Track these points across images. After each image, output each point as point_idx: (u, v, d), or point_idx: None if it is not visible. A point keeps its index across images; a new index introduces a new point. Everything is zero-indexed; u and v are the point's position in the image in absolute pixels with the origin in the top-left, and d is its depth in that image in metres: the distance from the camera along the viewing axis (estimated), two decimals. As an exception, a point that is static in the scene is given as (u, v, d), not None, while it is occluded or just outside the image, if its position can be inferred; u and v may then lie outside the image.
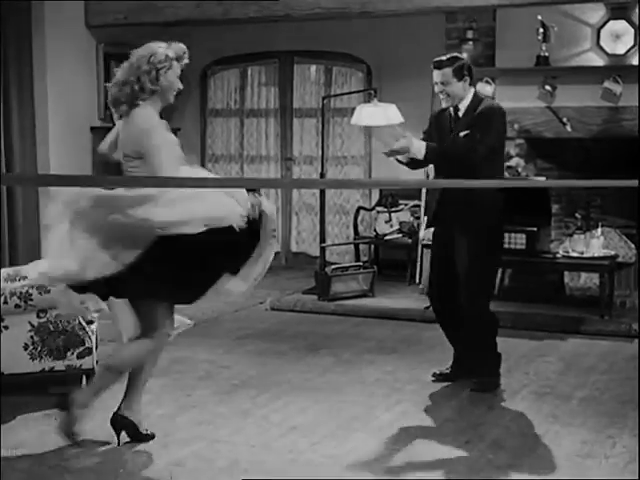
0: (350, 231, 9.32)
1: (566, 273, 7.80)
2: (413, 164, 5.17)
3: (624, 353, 6.08)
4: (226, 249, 4.02)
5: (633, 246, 7.88)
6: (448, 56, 5.14)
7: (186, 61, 4.39)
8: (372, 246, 9.03)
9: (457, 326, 5.27)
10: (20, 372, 4.91)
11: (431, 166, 5.60)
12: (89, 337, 4.98)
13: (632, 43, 7.93)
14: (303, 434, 4.44)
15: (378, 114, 8.08)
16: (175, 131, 9.63)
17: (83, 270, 3.88)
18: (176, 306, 4.30)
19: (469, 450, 4.23)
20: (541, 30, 7.94)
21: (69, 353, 4.95)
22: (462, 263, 5.04)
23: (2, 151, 7.80)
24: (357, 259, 8.91)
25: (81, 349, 4.96)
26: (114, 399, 4.30)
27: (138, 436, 4.30)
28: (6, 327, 4.83)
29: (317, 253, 8.57)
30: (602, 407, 4.89)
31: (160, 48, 4.27)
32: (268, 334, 6.71)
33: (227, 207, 3.99)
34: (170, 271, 3.96)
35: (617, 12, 7.96)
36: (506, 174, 7.79)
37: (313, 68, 9.71)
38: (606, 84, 7.90)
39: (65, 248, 3.93)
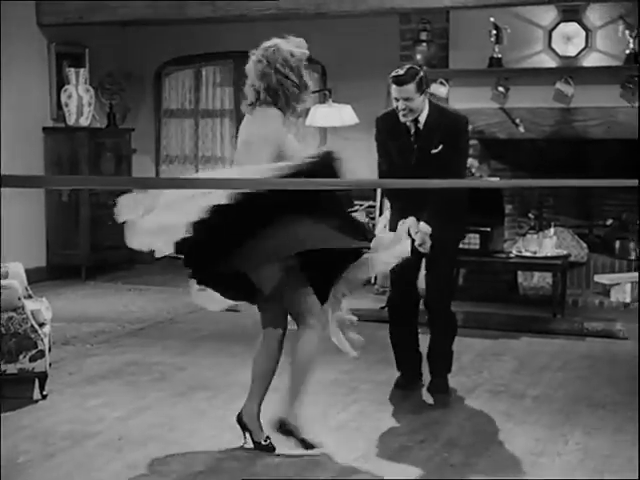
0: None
1: (519, 273, 7.89)
2: None
3: (576, 351, 6.16)
4: None
5: (585, 245, 8.00)
6: (406, 69, 4.87)
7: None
8: (328, 247, 9.03)
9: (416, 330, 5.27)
10: (-29, 375, 4.84)
11: None
12: (41, 340, 4.92)
13: (583, 45, 8.03)
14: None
15: (333, 115, 8.10)
16: (129, 132, 9.65)
17: None
18: None
19: (424, 449, 4.26)
20: (494, 32, 8.01)
21: (21, 356, 4.89)
22: (436, 266, 5.03)
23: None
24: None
25: (33, 352, 4.90)
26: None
27: (304, 443, 4.18)
28: (-43, 330, 4.76)
29: (272, 254, 8.55)
30: (555, 405, 4.94)
31: None
32: (225, 335, 6.69)
33: None
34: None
35: (568, 14, 8.05)
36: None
37: (268, 68, 9.67)
38: (558, 85, 7.99)
39: None
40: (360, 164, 9.23)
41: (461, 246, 6.98)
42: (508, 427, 4.57)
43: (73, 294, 8.16)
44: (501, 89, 8.15)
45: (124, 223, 3.90)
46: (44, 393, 4.97)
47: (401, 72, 4.84)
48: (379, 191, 8.49)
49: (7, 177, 2.38)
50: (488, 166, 8.47)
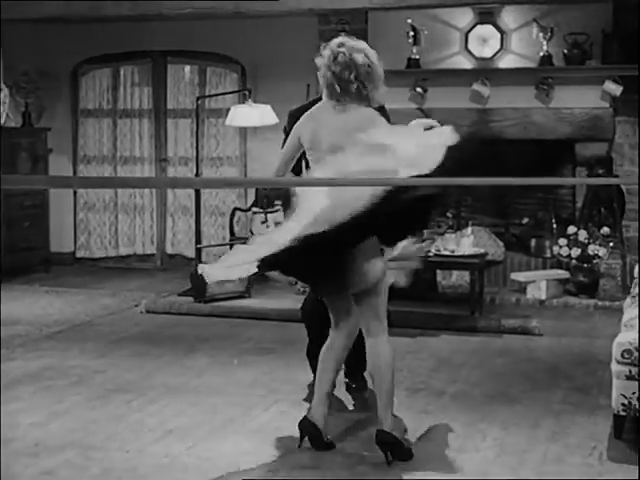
0: (226, 232, 9.28)
1: (438, 271, 7.98)
2: None
3: (493, 349, 6.26)
4: None
5: (502, 244, 8.14)
6: None
7: None
8: (248, 247, 9.01)
9: None
10: None
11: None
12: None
13: (498, 47, 8.19)
14: (179, 438, 4.40)
15: (252, 115, 8.09)
16: (45, 131, 9.48)
17: None
18: None
19: (345, 447, 4.28)
20: (411, 33, 8.10)
21: None
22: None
23: None
24: (233, 260, 8.88)
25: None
26: None
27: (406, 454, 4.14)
28: None
29: (193, 254, 8.51)
30: (473, 401, 5.02)
31: None
32: (143, 337, 6.62)
33: None
34: None
35: (484, 17, 8.20)
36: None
37: (187, 68, 9.63)
38: (474, 86, 8.12)
39: None
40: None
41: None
42: (427, 424, 4.62)
43: (-12, 297, 7.98)
44: (419, 90, 8.25)
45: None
46: (-43, 399, 4.85)
47: None
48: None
49: (6, 177, 2.36)
50: (407, 166, 8.54)
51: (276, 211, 8.78)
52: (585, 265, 7.72)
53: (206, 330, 6.83)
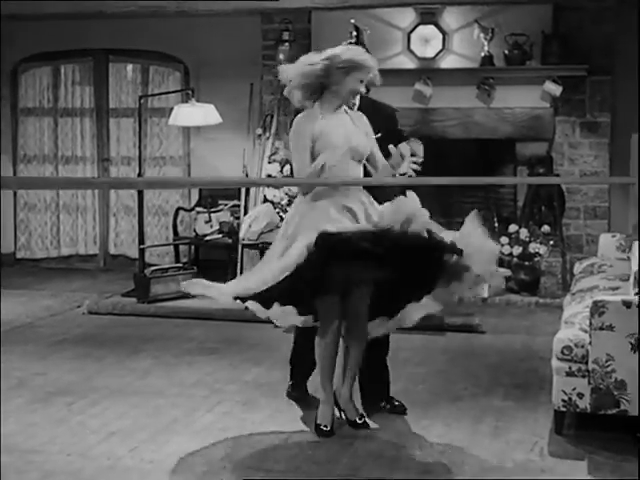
0: (169, 232, 9.22)
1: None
2: None
3: (436, 346, 6.31)
4: None
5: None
6: None
7: None
8: (192, 247, 8.98)
9: None
10: None
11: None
12: None
13: (440, 47, 8.25)
14: (122, 440, 4.37)
15: (196, 114, 8.05)
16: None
17: None
18: None
19: (289, 448, 4.28)
20: (354, 33, 8.11)
21: None
22: None
23: None
24: (177, 260, 8.85)
25: None
26: None
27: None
28: None
29: (136, 255, 8.43)
30: (416, 399, 5.05)
31: None
32: (86, 338, 6.55)
33: None
34: None
35: (426, 17, 8.25)
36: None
37: (129, 67, 9.55)
38: (417, 86, 8.18)
39: None
40: (223, 163, 9.28)
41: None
42: (370, 421, 4.64)
43: None
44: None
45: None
46: None
47: None
48: (243, 190, 8.49)
49: (6, 178, 2.38)
50: (350, 165, 8.57)
51: (220, 210, 8.75)
52: (526, 263, 7.82)
53: (150, 331, 6.78)
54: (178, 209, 9.12)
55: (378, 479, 3.93)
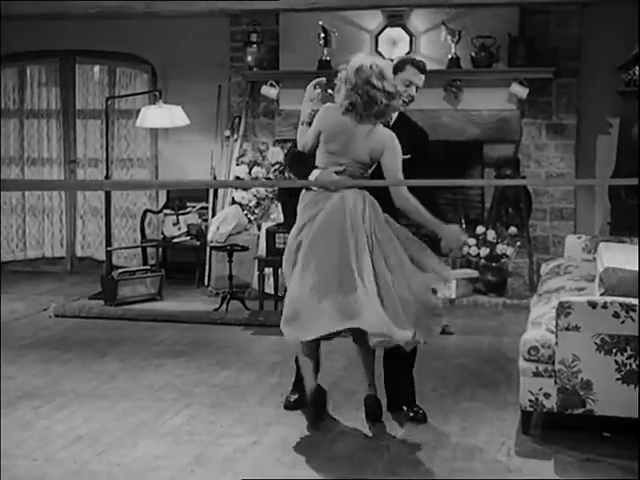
0: (137, 234, 9.18)
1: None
2: None
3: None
4: None
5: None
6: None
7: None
8: (160, 249, 8.94)
9: None
10: None
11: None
12: None
13: (408, 49, 8.28)
14: (88, 444, 4.33)
15: (163, 116, 8.03)
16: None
17: None
18: None
19: (256, 450, 4.27)
20: (322, 35, 8.14)
21: None
22: None
23: None
24: (145, 262, 8.80)
25: None
26: None
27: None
28: None
29: (103, 257, 8.38)
30: (383, 401, 5.03)
31: None
32: (52, 342, 6.50)
33: None
34: None
35: (394, 19, 8.28)
36: (292, 176, 7.92)
37: (96, 68, 9.49)
38: (385, 88, 8.18)
39: None
40: (191, 165, 9.23)
41: (282, 246, 7.05)
42: (339, 427, 4.64)
43: None
44: (330, 91, 8.26)
45: None
46: None
47: (420, 59, 4.80)
48: (211, 192, 8.48)
49: (6, 181, 2.35)
50: (319, 167, 8.58)
51: (188, 213, 8.72)
52: (493, 264, 7.87)
53: (117, 334, 6.74)
54: (146, 211, 9.08)
55: (347, 479, 3.94)
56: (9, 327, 6.93)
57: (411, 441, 4.40)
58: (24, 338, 6.58)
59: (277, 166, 8.24)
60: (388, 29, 8.31)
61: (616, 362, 4.19)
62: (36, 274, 9.36)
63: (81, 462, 4.09)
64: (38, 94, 9.57)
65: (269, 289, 7.61)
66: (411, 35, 8.28)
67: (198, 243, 8.43)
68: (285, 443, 4.36)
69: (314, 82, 4.83)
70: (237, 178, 8.23)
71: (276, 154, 8.34)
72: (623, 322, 4.15)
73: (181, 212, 8.69)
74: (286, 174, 8.19)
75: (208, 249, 8.18)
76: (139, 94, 9.02)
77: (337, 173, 4.41)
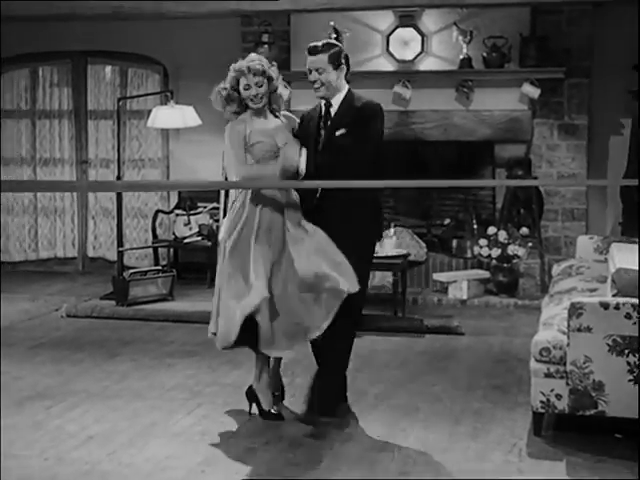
0: (149, 235, 9.19)
1: (362, 272, 8.00)
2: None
3: (416, 348, 6.32)
4: None
5: (424, 245, 8.20)
6: (324, 42, 4.79)
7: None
8: (171, 249, 8.94)
9: None
10: None
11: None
12: None
13: (419, 50, 8.27)
14: (100, 444, 4.34)
15: (175, 116, 8.04)
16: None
17: None
18: None
19: (269, 450, 4.28)
20: (333, 35, 8.12)
21: None
22: None
23: None
24: (156, 263, 8.81)
25: None
26: None
27: None
28: None
29: (115, 258, 8.39)
30: (396, 401, 5.06)
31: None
32: (64, 342, 6.52)
33: None
34: None
35: (405, 20, 8.27)
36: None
37: (108, 69, 9.51)
38: (396, 89, 8.20)
39: None
40: (203, 166, 9.24)
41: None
42: (351, 424, 4.64)
43: None
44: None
45: None
46: None
47: (317, 43, 4.79)
48: (222, 193, 8.47)
49: (6, 182, 2.37)
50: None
51: (199, 213, 8.73)
52: (505, 265, 7.85)
53: (128, 334, 6.75)
54: (157, 212, 9.09)
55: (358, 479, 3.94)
56: (21, 327, 6.96)
57: (422, 442, 4.39)
58: (36, 338, 6.60)
59: (288, 166, 8.23)
60: (399, 29, 8.30)
61: (628, 363, 4.18)
62: (48, 274, 9.39)
63: (92, 462, 4.10)
64: (50, 95, 9.59)
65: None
66: (423, 35, 8.27)
67: (209, 243, 8.44)
68: (296, 442, 4.36)
69: None
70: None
71: (287, 154, 8.34)
72: (635, 323, 4.14)
73: (192, 212, 8.69)
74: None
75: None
76: (151, 94, 9.03)
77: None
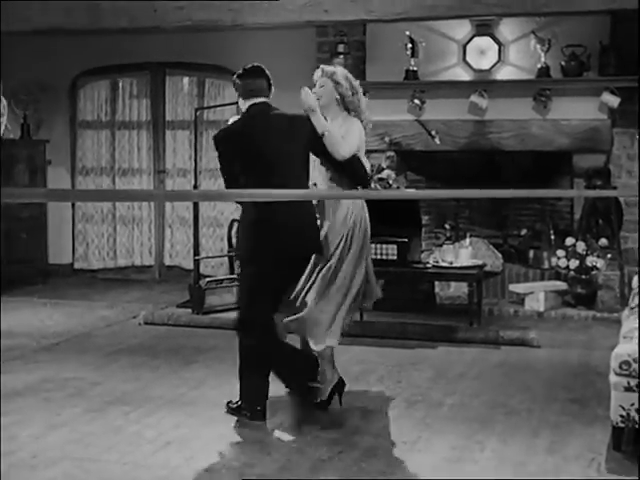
0: (224, 243, 9.28)
1: (436, 283, 7.98)
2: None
3: (492, 360, 6.25)
4: None
5: (500, 255, 8.13)
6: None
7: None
8: (246, 258, 8.99)
9: None
10: None
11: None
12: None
13: (496, 59, 8.21)
14: (177, 449, 4.39)
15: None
16: (43, 143, 9.49)
17: None
18: None
19: (342, 459, 4.27)
20: (409, 45, 8.12)
21: None
22: None
23: None
24: (231, 271, 8.88)
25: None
26: None
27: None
28: None
29: (191, 266, 8.50)
30: (471, 413, 5.01)
31: None
32: (141, 349, 6.61)
33: None
34: None
35: (482, 29, 8.22)
36: (377, 186, 7.93)
37: (185, 80, 9.65)
38: (472, 98, 8.14)
39: None
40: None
41: (378, 257, 7.09)
42: (425, 436, 4.61)
43: (-14, 309, 7.97)
44: (417, 101, 8.27)
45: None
46: (-45, 411, 4.84)
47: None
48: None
49: (7, 190, 2.42)
50: (405, 177, 8.57)
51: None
52: (583, 277, 7.73)
53: (204, 342, 6.82)
54: (233, 221, 9.16)
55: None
56: (100, 334, 7.08)
57: (498, 455, 4.34)
58: (114, 345, 6.71)
59: (363, 176, 8.24)
60: (476, 38, 8.25)
61: None
62: (126, 282, 9.55)
63: (170, 467, 4.15)
64: (129, 106, 9.78)
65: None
66: (500, 44, 8.20)
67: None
68: (370, 452, 4.35)
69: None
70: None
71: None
72: None
73: (267, 222, 8.73)
74: (372, 185, 8.19)
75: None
76: (227, 105, 9.11)
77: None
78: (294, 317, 4.82)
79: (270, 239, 4.72)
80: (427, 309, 7.78)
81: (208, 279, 7.95)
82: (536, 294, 7.77)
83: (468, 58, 8.28)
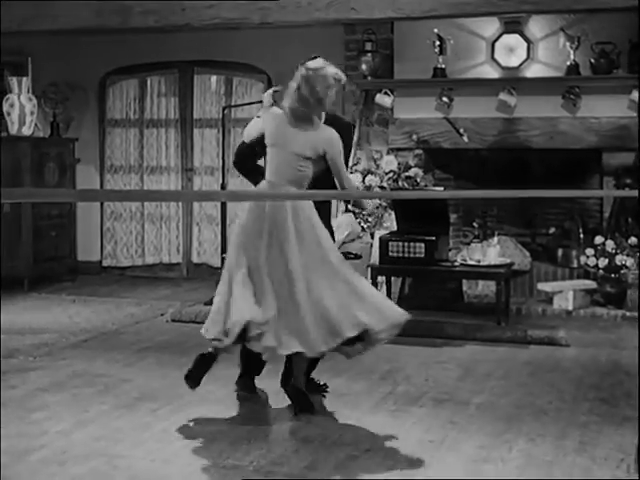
0: (252, 241, 9.28)
1: (464, 281, 7.95)
2: None
3: (520, 359, 6.22)
4: None
5: (528, 254, 8.09)
6: None
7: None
8: (274, 256, 9.01)
9: None
10: None
11: None
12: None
13: (525, 56, 8.16)
14: (205, 447, 4.40)
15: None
16: (72, 141, 9.56)
17: None
18: None
19: (370, 457, 4.27)
20: (437, 43, 8.10)
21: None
22: None
23: None
24: (259, 269, 8.89)
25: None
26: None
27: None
28: None
29: (218, 264, 8.52)
30: (499, 412, 4.99)
31: None
32: (169, 346, 6.64)
33: None
34: None
35: (510, 26, 8.17)
36: (405, 184, 7.92)
37: (213, 78, 9.68)
38: (501, 96, 8.10)
39: None
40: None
41: (405, 255, 7.09)
42: (452, 435, 4.60)
43: (15, 306, 8.04)
44: (445, 99, 8.24)
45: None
46: (-15, 407, 4.88)
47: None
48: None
49: (7, 191, 2.42)
50: (433, 175, 8.55)
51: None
52: (612, 275, 7.67)
53: (232, 339, 6.82)
54: (260, 219, 9.18)
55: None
56: (127, 331, 7.12)
57: (525, 455, 4.32)
58: (142, 342, 6.75)
59: (391, 174, 8.24)
60: (505, 36, 8.21)
61: None
62: (154, 279, 9.60)
63: (198, 464, 4.16)
64: (157, 104, 9.82)
65: (382, 297, 7.59)
66: (529, 42, 8.16)
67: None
68: (397, 450, 4.34)
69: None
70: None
71: (390, 162, 8.34)
72: None
73: (295, 220, 8.74)
74: (400, 183, 8.18)
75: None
76: (255, 103, 9.11)
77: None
78: None
79: None
80: (455, 307, 7.76)
81: (235, 277, 7.95)
82: (565, 293, 7.72)
83: (496, 56, 8.24)
